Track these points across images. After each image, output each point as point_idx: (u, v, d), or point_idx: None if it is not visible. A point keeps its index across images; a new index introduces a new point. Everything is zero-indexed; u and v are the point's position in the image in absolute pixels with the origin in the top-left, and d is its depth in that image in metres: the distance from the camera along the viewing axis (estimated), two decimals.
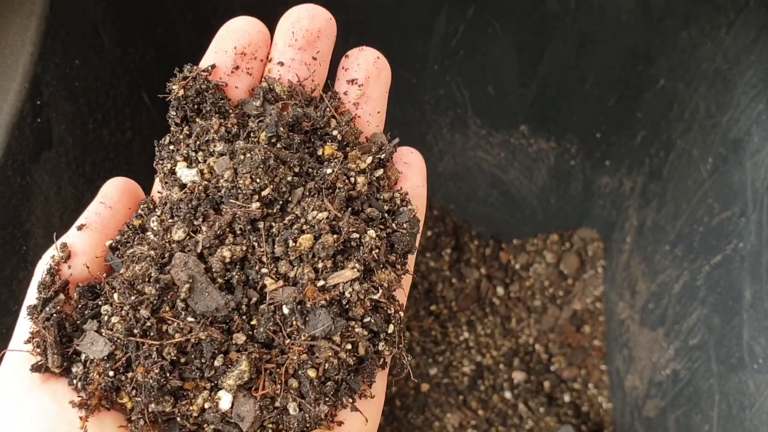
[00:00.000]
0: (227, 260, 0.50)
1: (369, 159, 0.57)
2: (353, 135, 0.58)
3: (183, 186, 0.55)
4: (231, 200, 0.52)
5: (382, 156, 0.58)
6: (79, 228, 0.54)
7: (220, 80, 0.57)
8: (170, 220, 0.53)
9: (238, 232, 0.52)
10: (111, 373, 0.48)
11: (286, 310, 0.50)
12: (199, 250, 0.51)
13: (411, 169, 0.60)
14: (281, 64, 0.58)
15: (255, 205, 0.52)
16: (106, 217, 0.55)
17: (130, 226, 0.54)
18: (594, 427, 1.38)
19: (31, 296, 0.51)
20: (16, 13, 0.75)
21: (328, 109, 0.58)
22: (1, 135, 0.70)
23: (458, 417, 1.35)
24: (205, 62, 0.57)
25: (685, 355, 1.14)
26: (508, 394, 1.40)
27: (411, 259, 0.57)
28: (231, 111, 0.57)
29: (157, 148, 0.58)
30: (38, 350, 0.49)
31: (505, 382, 1.41)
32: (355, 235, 0.52)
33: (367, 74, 0.59)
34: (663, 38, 1.15)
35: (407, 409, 1.36)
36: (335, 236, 0.51)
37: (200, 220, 0.52)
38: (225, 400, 0.49)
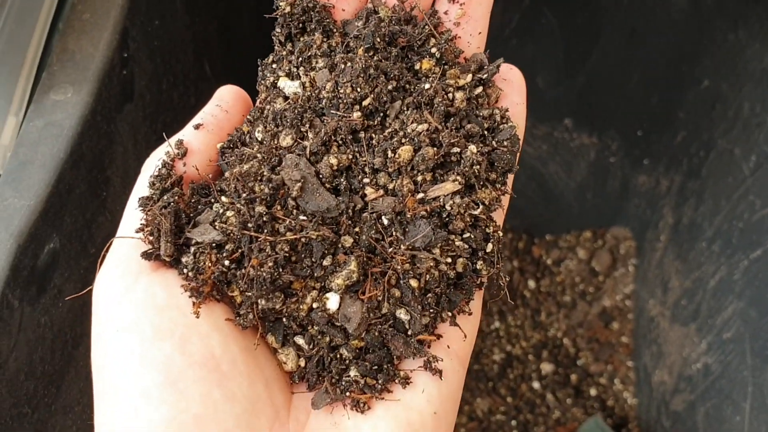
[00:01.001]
0: (334, 167, 0.51)
1: (469, 77, 0.56)
2: (452, 54, 0.57)
3: (286, 98, 0.56)
4: (332, 111, 0.53)
5: (484, 76, 0.57)
6: (196, 127, 0.54)
7: (327, 1, 0.57)
8: (276, 128, 0.54)
9: (340, 142, 0.52)
10: (225, 263, 0.48)
11: (385, 221, 0.50)
12: (307, 155, 0.51)
13: (510, 86, 0.58)
14: None
15: (356, 114, 0.52)
16: (221, 119, 0.55)
17: (239, 131, 0.55)
18: (619, 421, 1.39)
19: (142, 189, 0.51)
20: None
21: (427, 27, 0.57)
22: (93, 81, 0.73)
23: (488, 402, 1.37)
24: None
25: (718, 348, 1.16)
26: (536, 384, 1.42)
27: (510, 178, 0.55)
28: (336, 31, 0.57)
29: (260, 67, 0.58)
30: (150, 238, 0.49)
31: (534, 373, 1.43)
32: (456, 150, 0.51)
33: None
34: (710, 38, 1.17)
35: None
36: (435, 149, 0.51)
37: (306, 126, 0.53)
38: (333, 300, 0.49)
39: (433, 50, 0.56)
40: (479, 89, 0.56)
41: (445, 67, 0.56)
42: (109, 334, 0.46)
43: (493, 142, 0.54)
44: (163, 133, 0.55)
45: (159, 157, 0.52)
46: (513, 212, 1.54)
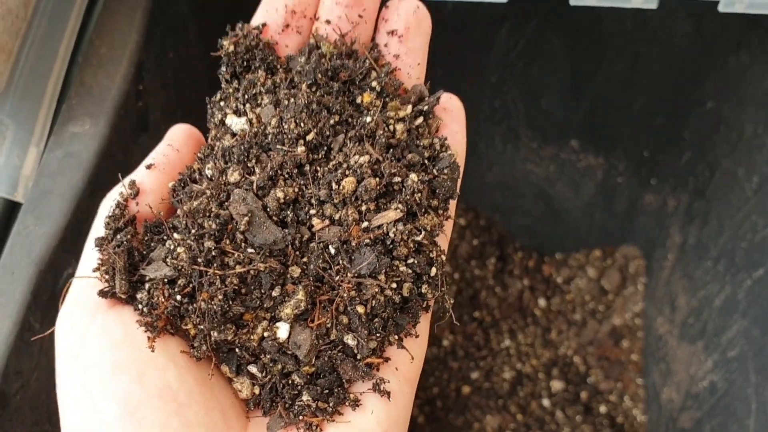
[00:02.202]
0: (281, 200, 0.52)
1: (409, 108, 0.58)
2: (393, 86, 0.59)
3: (233, 134, 0.58)
4: (278, 146, 0.55)
5: (424, 108, 0.59)
6: (148, 167, 0.57)
7: (270, 38, 0.59)
8: (224, 165, 0.55)
9: (287, 175, 0.54)
10: (178, 298, 0.50)
11: (332, 249, 0.52)
12: (254, 190, 0.53)
13: (450, 116, 0.60)
14: (328, 22, 0.60)
15: (300, 149, 0.54)
16: (173, 158, 0.57)
17: (190, 169, 0.57)
18: None
19: (98, 229, 0.53)
20: (124, 4, 0.82)
21: (367, 61, 0.59)
22: (110, 114, 0.77)
23: (498, 420, 1.39)
24: (256, 20, 0.60)
25: (723, 366, 1.18)
26: (546, 402, 1.43)
27: (452, 204, 0.58)
28: (279, 67, 0.59)
29: (208, 105, 0.61)
30: (106, 276, 0.51)
31: (544, 390, 1.45)
32: (397, 179, 0.54)
33: (407, 25, 0.60)
34: (713, 61, 1.19)
35: (448, 410, 1.40)
36: (377, 179, 0.53)
37: (253, 162, 0.55)
38: (283, 329, 0.51)
39: (374, 84, 0.59)
40: (419, 120, 0.59)
41: (386, 99, 0.59)
42: (71, 372, 0.49)
43: (434, 171, 0.57)
44: (119, 174, 0.57)
45: (113, 198, 0.55)
46: (523, 231, 1.57)
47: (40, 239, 0.68)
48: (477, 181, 1.51)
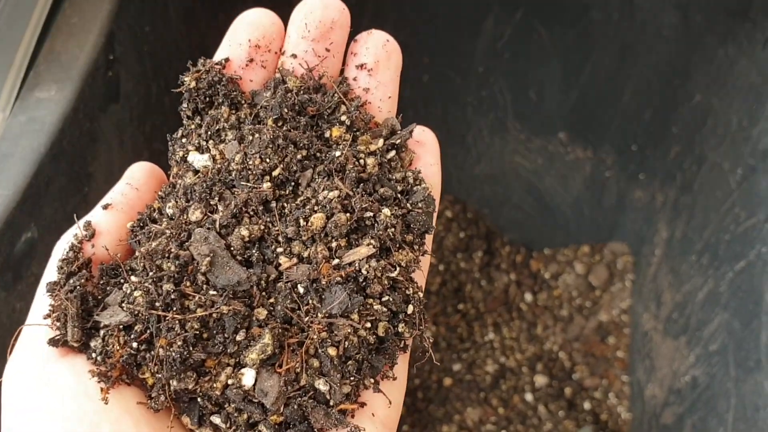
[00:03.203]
0: (246, 239, 0.50)
1: (380, 142, 0.56)
2: (363, 120, 0.57)
3: (196, 172, 0.55)
4: (242, 182, 0.52)
5: (396, 141, 0.57)
6: (105, 207, 0.54)
7: (234, 73, 0.57)
8: (185, 203, 0.53)
9: (252, 213, 0.51)
10: (134, 345, 0.47)
11: (301, 289, 0.49)
12: (217, 229, 0.50)
13: (423, 148, 0.58)
14: (294, 56, 0.57)
15: (266, 185, 0.52)
16: (132, 198, 0.55)
17: (150, 209, 0.54)
18: None
19: (51, 273, 0.51)
20: None
21: (336, 95, 0.57)
22: (77, 81, 0.76)
23: (478, 413, 1.38)
24: (219, 55, 0.57)
25: (705, 360, 1.17)
26: (529, 396, 1.42)
27: (429, 239, 0.55)
28: (244, 102, 0.57)
29: (170, 142, 0.58)
30: (57, 324, 0.48)
31: (527, 385, 1.44)
32: (369, 214, 0.51)
33: (377, 58, 0.58)
34: (701, 54, 1.19)
35: (429, 401, 1.39)
36: (348, 215, 0.51)
37: (216, 200, 0.52)
38: (248, 376, 0.48)
39: (343, 118, 0.56)
40: (392, 153, 0.56)
41: (357, 133, 0.56)
42: (17, 424, 0.46)
43: (408, 205, 0.55)
44: (74, 215, 0.55)
45: (67, 240, 0.52)
46: (511, 225, 1.56)
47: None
48: (465, 174, 1.51)
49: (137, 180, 0.56)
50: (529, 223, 1.55)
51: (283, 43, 0.58)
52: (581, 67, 1.27)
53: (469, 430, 1.37)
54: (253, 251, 0.50)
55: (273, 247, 0.51)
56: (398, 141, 0.57)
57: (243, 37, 0.57)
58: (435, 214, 0.56)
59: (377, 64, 0.58)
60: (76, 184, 0.78)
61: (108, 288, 0.50)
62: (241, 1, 1.19)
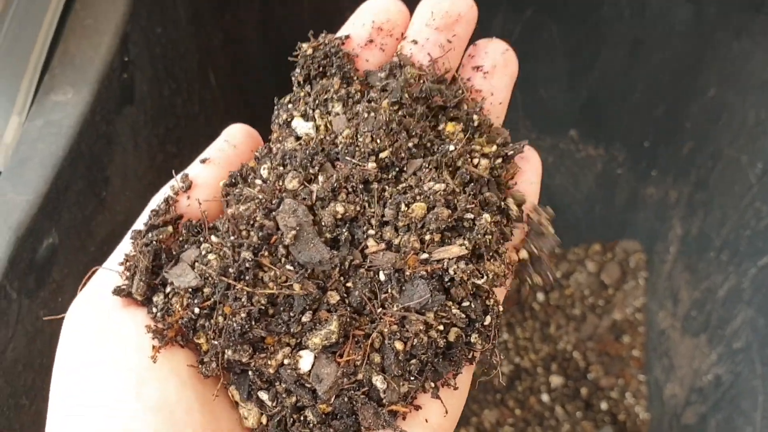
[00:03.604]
0: (339, 216, 0.49)
1: (494, 147, 0.54)
2: (484, 123, 0.55)
3: (297, 138, 0.54)
4: (347, 158, 0.51)
5: (509, 152, 0.55)
6: (203, 161, 0.54)
7: (352, 50, 0.57)
8: (282, 169, 0.52)
9: (351, 190, 0.50)
10: (196, 311, 0.47)
11: (382, 276, 0.48)
12: (312, 201, 0.49)
13: (527, 164, 0.58)
14: (415, 42, 0.57)
15: (371, 165, 0.50)
16: (230, 154, 0.55)
17: (245, 168, 0.54)
18: None
19: (140, 222, 0.51)
20: None
21: (460, 91, 0.56)
22: (93, 83, 0.74)
23: (495, 414, 1.36)
24: (341, 32, 0.57)
25: (728, 358, 1.15)
26: (545, 397, 1.41)
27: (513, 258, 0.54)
28: (356, 78, 0.56)
29: (276, 106, 0.57)
30: (127, 273, 0.48)
31: (543, 385, 1.42)
32: (469, 216, 0.49)
33: (494, 63, 0.57)
34: (714, 49, 1.17)
35: None
36: (450, 211, 0.49)
37: (316, 169, 0.51)
38: (306, 360, 0.46)
39: (467, 115, 0.55)
40: (499, 161, 0.55)
41: (475, 135, 0.55)
42: (71, 365, 0.46)
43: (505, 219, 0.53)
44: (172, 171, 0.54)
45: (164, 192, 0.52)
46: None
47: (19, 206, 0.66)
48: None
49: (235, 138, 0.56)
50: None
51: (406, 30, 0.57)
52: (592, 63, 1.26)
53: None
54: (343, 230, 0.49)
55: (365, 228, 0.49)
56: (511, 152, 0.55)
57: (367, 18, 0.57)
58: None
59: (494, 68, 0.57)
60: (93, 189, 0.76)
61: (186, 246, 0.49)
62: (247, 5, 1.18)
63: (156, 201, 0.52)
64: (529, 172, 0.57)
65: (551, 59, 1.26)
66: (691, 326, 1.28)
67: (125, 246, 0.50)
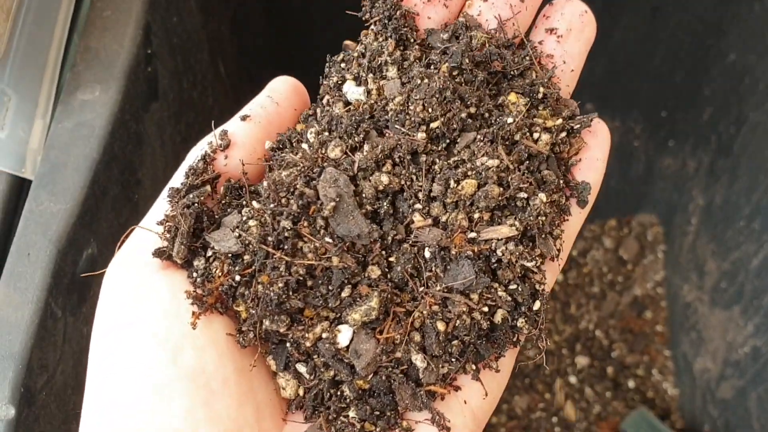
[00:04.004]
0: (382, 187, 0.46)
1: (558, 121, 0.51)
2: (552, 96, 0.52)
3: (347, 103, 0.51)
4: (396, 126, 0.48)
5: (575, 126, 0.52)
6: (243, 119, 0.50)
7: (414, 6, 0.52)
8: (327, 135, 0.49)
9: (397, 161, 0.47)
10: (237, 278, 0.45)
11: (427, 254, 0.46)
12: (354, 170, 0.47)
13: (594, 140, 0.53)
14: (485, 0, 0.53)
15: (421, 135, 0.47)
16: (271, 112, 0.51)
17: (291, 131, 0.51)
18: (661, 413, 1.35)
19: (177, 179, 0.48)
20: None
21: (527, 58, 0.52)
22: (120, 79, 0.69)
23: (526, 400, 1.33)
24: None
25: (767, 330, 1.13)
26: (573, 379, 1.38)
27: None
28: (414, 41, 0.52)
29: (327, 64, 0.54)
30: (167, 235, 0.46)
31: (569, 367, 1.39)
32: (523, 195, 0.47)
33: (570, 26, 0.53)
34: (735, 10, 1.14)
35: None
36: (501, 189, 0.46)
37: (361, 137, 0.48)
38: (344, 334, 0.45)
39: (539, 88, 0.51)
40: (563, 134, 0.51)
41: (539, 108, 0.51)
42: (109, 328, 0.44)
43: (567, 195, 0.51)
44: (212, 122, 0.51)
45: (201, 148, 0.49)
46: None
47: (57, 216, 0.61)
48: None
49: (279, 94, 0.52)
50: None
51: None
52: (610, 33, 1.22)
53: (519, 419, 1.31)
54: (384, 203, 0.47)
55: (411, 201, 0.47)
56: (577, 126, 0.52)
57: None
58: (585, 215, 0.53)
59: (569, 32, 0.53)
60: (127, 193, 0.70)
61: (229, 209, 0.48)
62: None
63: (193, 157, 0.49)
64: (595, 148, 0.53)
65: None
66: (721, 298, 1.26)
67: (162, 204, 0.48)
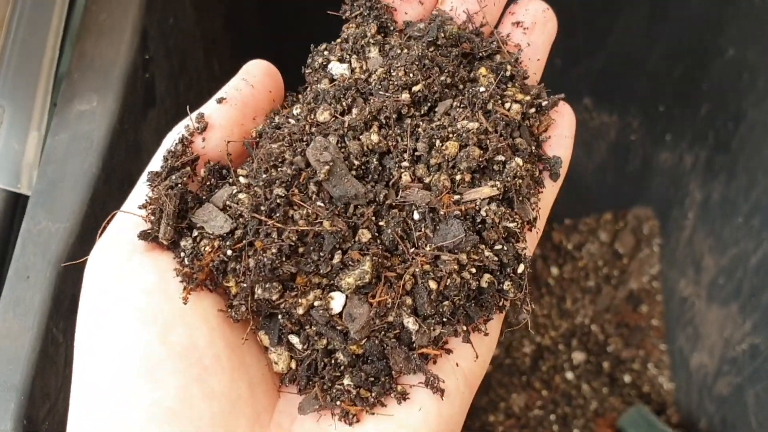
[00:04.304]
0: (372, 145, 0.48)
1: (528, 97, 0.54)
2: (520, 75, 0.56)
3: (332, 80, 0.54)
4: (380, 92, 0.51)
5: (543, 102, 0.55)
6: (219, 101, 0.51)
7: (392, 2, 0.57)
8: (314, 104, 0.52)
9: (384, 122, 0.50)
10: (228, 252, 0.45)
11: (416, 215, 0.47)
12: (344, 131, 0.49)
13: (560, 118, 0.57)
14: None
15: (405, 96, 0.50)
16: (246, 94, 0.52)
17: (275, 112, 0.53)
18: (657, 407, 1.35)
19: (156, 163, 0.49)
20: None
21: (494, 43, 0.56)
22: (117, 88, 0.67)
23: (524, 398, 1.32)
24: None
25: (766, 327, 1.12)
26: (569, 375, 1.37)
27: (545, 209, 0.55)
28: (394, 30, 0.56)
29: (311, 53, 0.56)
30: (152, 218, 0.46)
31: (566, 363, 1.39)
32: (501, 158, 0.49)
33: (534, 20, 0.58)
34: (735, 6, 1.13)
35: None
36: (481, 151, 0.49)
37: (349, 101, 0.51)
38: (337, 301, 0.46)
39: (506, 66, 0.55)
40: (533, 110, 0.55)
41: (507, 84, 0.55)
42: (93, 312, 0.45)
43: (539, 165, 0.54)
44: (187, 107, 0.51)
45: (178, 132, 0.50)
46: None
47: (56, 236, 0.59)
48: None
49: (253, 76, 0.53)
50: None
51: None
52: (609, 29, 1.20)
53: (517, 417, 1.31)
54: (372, 160, 0.49)
55: (397, 159, 0.49)
56: (545, 103, 0.56)
57: None
58: (557, 190, 0.56)
59: (534, 25, 0.58)
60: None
61: (213, 190, 0.48)
62: None
63: (170, 141, 0.50)
64: (562, 126, 0.57)
65: (567, 27, 1.19)
66: (718, 294, 1.25)
67: (141, 188, 0.49)
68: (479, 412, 1.30)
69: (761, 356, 1.13)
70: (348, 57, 0.55)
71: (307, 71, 0.56)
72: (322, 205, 0.47)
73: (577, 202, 1.50)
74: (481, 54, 0.56)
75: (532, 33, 0.58)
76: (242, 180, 0.48)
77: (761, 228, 1.13)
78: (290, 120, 0.51)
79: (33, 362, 0.54)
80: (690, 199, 1.35)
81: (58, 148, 0.63)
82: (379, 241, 0.47)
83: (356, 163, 0.48)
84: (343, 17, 0.57)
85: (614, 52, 1.24)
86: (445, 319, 0.47)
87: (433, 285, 0.46)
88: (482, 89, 0.52)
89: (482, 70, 0.54)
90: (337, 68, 0.54)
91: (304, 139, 0.49)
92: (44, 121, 0.66)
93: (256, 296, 0.46)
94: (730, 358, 1.21)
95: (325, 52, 0.56)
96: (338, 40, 0.57)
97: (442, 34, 0.54)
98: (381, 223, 0.48)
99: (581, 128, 1.35)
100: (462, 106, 0.52)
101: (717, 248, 1.26)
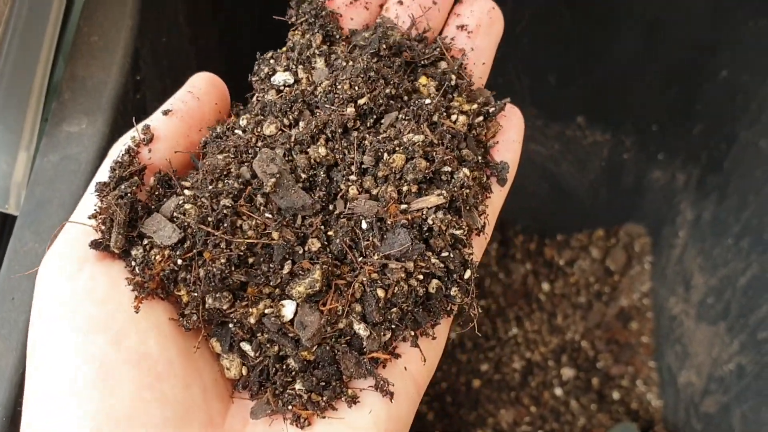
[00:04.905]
0: (320, 159, 0.49)
1: (474, 106, 0.55)
2: (465, 83, 0.56)
3: (279, 91, 0.54)
4: (326, 105, 0.51)
5: (490, 110, 0.56)
6: (165, 113, 0.52)
7: (337, 9, 0.57)
8: (261, 117, 0.52)
9: (330, 135, 0.50)
10: (179, 261, 0.46)
11: (364, 225, 0.48)
12: (290, 144, 0.49)
13: (508, 122, 0.57)
14: (400, 3, 0.58)
15: (350, 110, 0.51)
16: (192, 107, 0.53)
17: (223, 124, 0.53)
18: (644, 425, 1.36)
19: (103, 174, 0.49)
20: None
21: (438, 49, 0.56)
22: (108, 110, 0.67)
23: (512, 414, 1.33)
24: None
25: (753, 348, 1.13)
26: (558, 391, 1.38)
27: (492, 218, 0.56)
28: (340, 38, 0.57)
29: (257, 61, 0.57)
30: (102, 227, 0.47)
31: (555, 379, 1.39)
32: (447, 169, 0.50)
33: (479, 22, 0.58)
34: (730, 29, 1.13)
35: (459, 405, 1.33)
36: (428, 162, 0.49)
37: (295, 115, 0.51)
38: (288, 308, 0.47)
39: (450, 75, 0.55)
40: (480, 118, 0.55)
41: (453, 94, 0.55)
42: (45, 321, 0.45)
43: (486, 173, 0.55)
44: (133, 118, 0.53)
45: (124, 143, 0.51)
46: (524, 213, 1.50)
47: (42, 258, 0.59)
48: None
49: (199, 89, 0.54)
50: (543, 210, 1.49)
51: None
52: (605, 48, 1.21)
53: None
54: (320, 173, 0.49)
55: (345, 172, 0.50)
56: (492, 110, 0.56)
57: None
58: (505, 194, 0.56)
59: (478, 27, 0.58)
60: None
61: (164, 199, 0.49)
62: (242, 2, 1.10)
63: (117, 151, 0.50)
64: (510, 131, 0.57)
65: (563, 45, 1.21)
66: (707, 314, 1.26)
67: (90, 199, 0.49)
68: (468, 428, 1.31)
69: (748, 376, 1.13)
70: (294, 67, 0.55)
71: (254, 79, 0.57)
72: (270, 216, 0.47)
73: (570, 218, 1.50)
74: (423, 62, 0.56)
75: (477, 36, 0.58)
76: (187, 192, 0.48)
77: (750, 249, 1.14)
78: (237, 131, 0.52)
79: (16, 383, 0.55)
80: (682, 217, 1.35)
81: (47, 170, 0.63)
82: (328, 250, 0.48)
83: (303, 176, 0.49)
84: (289, 22, 0.58)
85: (608, 70, 1.24)
86: (393, 326, 0.48)
87: (380, 293, 0.47)
88: (427, 101, 0.53)
89: (422, 80, 0.55)
90: (282, 78, 0.55)
91: (250, 151, 0.49)
92: (34, 140, 0.67)
93: (207, 306, 0.47)
94: (718, 377, 1.21)
95: (271, 61, 0.57)
96: (284, 48, 0.57)
97: (384, 45, 0.54)
98: (330, 233, 0.48)
99: (574, 146, 1.36)
100: (407, 118, 0.52)
101: (707, 268, 1.27)
